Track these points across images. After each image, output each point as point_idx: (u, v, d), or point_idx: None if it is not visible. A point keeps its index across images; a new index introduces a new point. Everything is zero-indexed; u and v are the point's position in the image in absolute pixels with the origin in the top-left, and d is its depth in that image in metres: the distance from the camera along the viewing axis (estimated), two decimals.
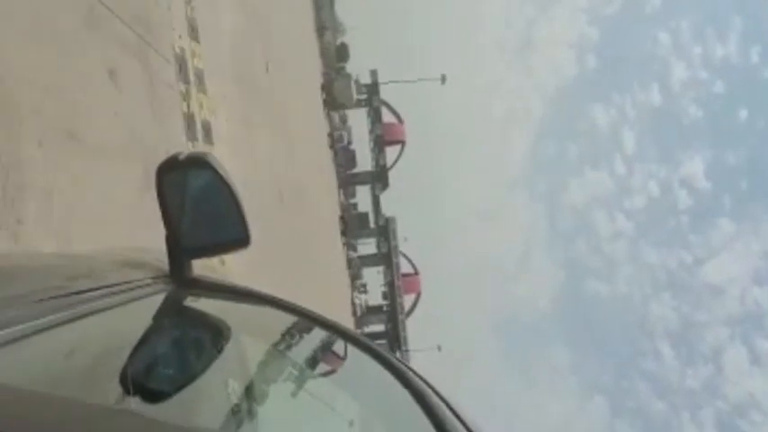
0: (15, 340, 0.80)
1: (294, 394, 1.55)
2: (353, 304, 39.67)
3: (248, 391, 1.37)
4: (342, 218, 39.92)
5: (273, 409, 1.40)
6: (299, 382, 1.63)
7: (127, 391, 0.95)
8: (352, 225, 42.25)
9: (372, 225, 45.05)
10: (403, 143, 44.49)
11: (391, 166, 44.11)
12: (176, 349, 1.35)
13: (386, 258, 43.71)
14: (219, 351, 1.40)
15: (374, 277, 46.26)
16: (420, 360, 42.22)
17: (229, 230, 1.42)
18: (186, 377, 1.19)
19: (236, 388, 1.34)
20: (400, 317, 43.70)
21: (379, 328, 45.15)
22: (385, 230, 44.18)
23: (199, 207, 1.40)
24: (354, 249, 45.04)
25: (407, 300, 44.85)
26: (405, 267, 44.88)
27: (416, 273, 46.51)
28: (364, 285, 47.18)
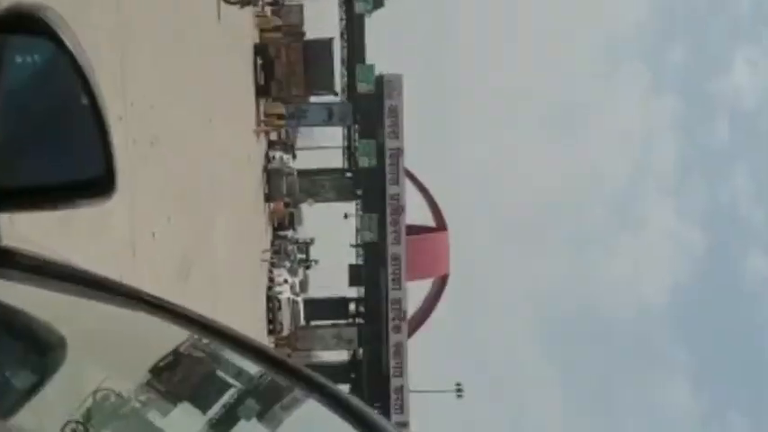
0: None
1: None
2: (271, 299, 28.74)
3: None
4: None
5: None
6: None
7: None
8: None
9: (337, 77, 31.74)
10: None
11: None
12: None
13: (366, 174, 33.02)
14: (42, 381, 1.43)
15: (335, 232, 36.16)
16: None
17: (76, 161, 1.26)
18: None
19: None
20: (393, 336, 32.32)
21: (337, 357, 35.69)
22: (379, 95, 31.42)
23: (24, 112, 1.25)
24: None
25: (415, 291, 35.04)
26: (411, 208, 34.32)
27: (441, 226, 36.11)
28: (306, 245, 34.50)
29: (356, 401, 1.51)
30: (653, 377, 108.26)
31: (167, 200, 12.30)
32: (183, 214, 13.45)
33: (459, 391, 35.14)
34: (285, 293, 29.10)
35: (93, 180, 1.28)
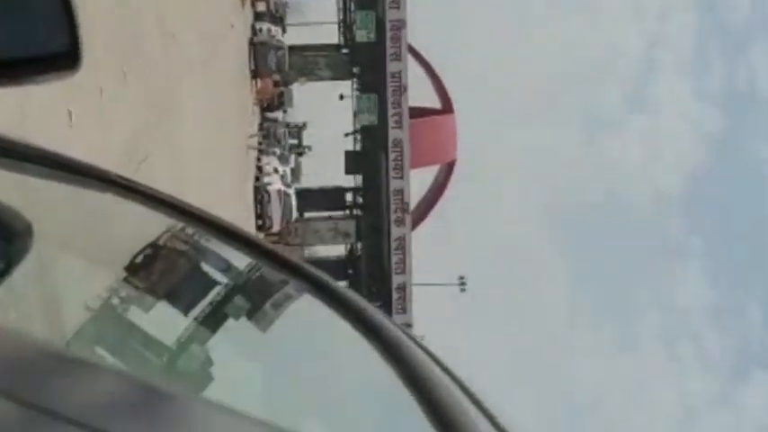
0: None
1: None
2: (260, 191, 29.04)
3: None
4: None
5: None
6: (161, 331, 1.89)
7: None
8: None
9: None
10: None
11: None
12: None
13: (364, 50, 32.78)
14: (8, 270, 1.42)
15: (330, 114, 36.23)
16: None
17: (37, 34, 1.30)
18: None
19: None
20: (395, 229, 32.66)
21: (334, 251, 36.31)
22: None
23: None
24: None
25: (419, 178, 35.56)
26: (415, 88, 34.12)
27: (448, 108, 35.97)
28: (298, 129, 34.69)
29: (356, 297, 1.50)
30: (669, 267, 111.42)
31: (103, 66, 10.34)
32: (131, 88, 12.07)
33: (462, 284, 36.01)
34: (275, 184, 28.95)
35: (56, 54, 1.29)
